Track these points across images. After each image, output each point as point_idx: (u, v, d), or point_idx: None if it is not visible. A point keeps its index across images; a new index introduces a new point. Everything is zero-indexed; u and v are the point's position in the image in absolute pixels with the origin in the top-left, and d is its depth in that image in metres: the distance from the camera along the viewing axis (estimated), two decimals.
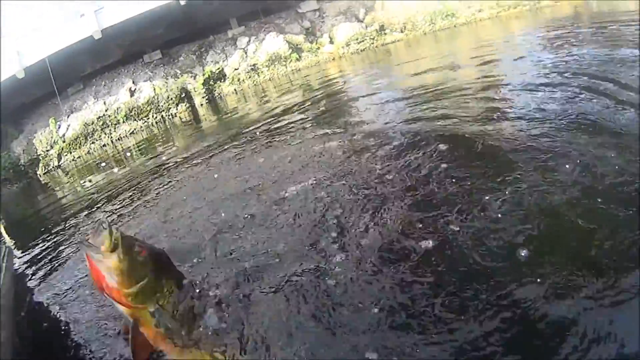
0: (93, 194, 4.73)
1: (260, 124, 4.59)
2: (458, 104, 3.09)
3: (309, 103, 4.98)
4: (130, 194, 3.84)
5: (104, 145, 7.42)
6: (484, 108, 2.85)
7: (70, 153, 7.48)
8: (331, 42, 7.69)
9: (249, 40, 7.46)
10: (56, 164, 7.61)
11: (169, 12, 6.91)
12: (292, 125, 4.09)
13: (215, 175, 3.36)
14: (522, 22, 7.38)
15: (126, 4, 6.87)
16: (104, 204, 3.96)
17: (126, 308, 0.79)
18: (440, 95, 3.48)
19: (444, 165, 2.10)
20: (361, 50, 7.68)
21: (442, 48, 6.87)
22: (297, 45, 7.50)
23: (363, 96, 4.52)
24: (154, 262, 0.82)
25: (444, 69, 4.68)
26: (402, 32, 7.97)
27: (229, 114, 6.21)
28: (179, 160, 4.46)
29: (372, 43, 7.70)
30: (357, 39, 7.66)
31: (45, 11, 7.62)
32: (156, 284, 0.83)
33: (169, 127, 7.53)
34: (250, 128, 4.61)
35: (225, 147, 4.15)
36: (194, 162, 4.04)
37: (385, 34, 7.88)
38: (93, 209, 3.96)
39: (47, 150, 7.61)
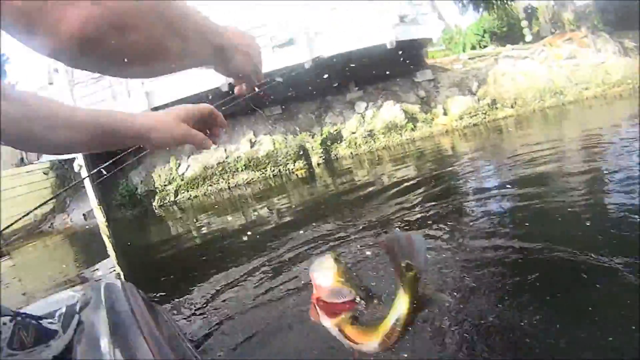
0: (206, 234, 5.37)
1: (371, 200, 5.01)
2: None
3: (422, 183, 5.35)
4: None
5: (221, 189, 7.98)
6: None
7: (187, 192, 8.07)
8: (445, 113, 8.07)
9: (367, 106, 7.95)
10: (172, 199, 8.23)
11: (295, 73, 7.45)
12: (398, 207, 4.43)
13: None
14: (626, 102, 7.63)
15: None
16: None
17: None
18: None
19: None
20: (474, 125, 8.04)
21: (550, 131, 7.22)
22: (412, 114, 7.95)
23: (472, 185, 4.88)
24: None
25: (551, 161, 4.98)
26: (512, 107, 8.30)
27: (344, 182, 6.62)
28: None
29: (484, 118, 8.04)
30: (469, 113, 8.04)
31: None
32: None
33: (285, 182, 8.04)
34: (362, 199, 4.90)
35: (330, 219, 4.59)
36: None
37: (496, 108, 8.25)
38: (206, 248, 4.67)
39: (165, 185, 8.24)
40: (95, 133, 0.64)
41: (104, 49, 0.37)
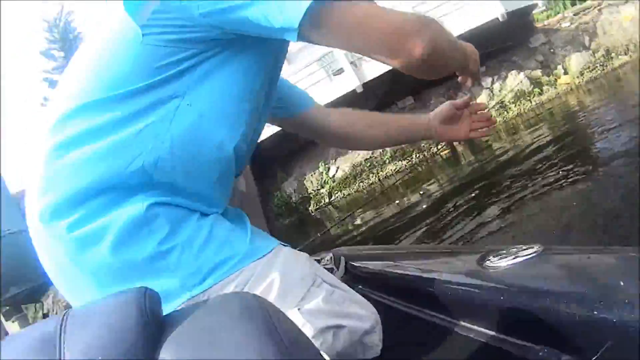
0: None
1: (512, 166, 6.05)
2: None
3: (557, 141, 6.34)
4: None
5: (372, 183, 8.90)
6: None
7: (340, 191, 9.04)
8: (565, 72, 8.73)
9: (493, 80, 8.71)
10: (327, 201, 9.22)
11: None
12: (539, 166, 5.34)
13: None
14: None
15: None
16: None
17: None
18: None
19: None
20: (595, 78, 8.66)
21: None
22: (536, 79, 8.70)
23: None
24: None
25: None
26: (626, 54, 8.84)
27: (485, 155, 7.46)
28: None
29: (603, 70, 8.66)
30: (588, 68, 8.68)
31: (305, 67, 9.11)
32: None
33: (430, 165, 8.86)
34: (505, 172, 6.06)
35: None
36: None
37: (612, 58, 8.84)
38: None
39: (318, 190, 9.22)
40: (398, 132, 1.06)
41: (431, 65, 0.64)
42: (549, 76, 9.36)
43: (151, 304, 0.41)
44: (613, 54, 9.53)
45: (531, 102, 9.18)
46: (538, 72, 9.38)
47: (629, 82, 8.86)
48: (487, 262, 0.79)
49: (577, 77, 9.30)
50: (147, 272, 0.63)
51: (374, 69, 8.84)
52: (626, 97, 7.73)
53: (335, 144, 1.19)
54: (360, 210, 7.90)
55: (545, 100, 9.23)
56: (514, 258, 0.75)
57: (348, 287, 0.75)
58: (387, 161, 9.28)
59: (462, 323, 0.86)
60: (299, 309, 0.65)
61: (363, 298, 0.76)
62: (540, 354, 0.68)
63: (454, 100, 1.01)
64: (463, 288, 0.84)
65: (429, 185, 7.78)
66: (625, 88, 8.62)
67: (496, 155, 7.92)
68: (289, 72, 9.25)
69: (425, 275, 0.98)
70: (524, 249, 0.76)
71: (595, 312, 0.56)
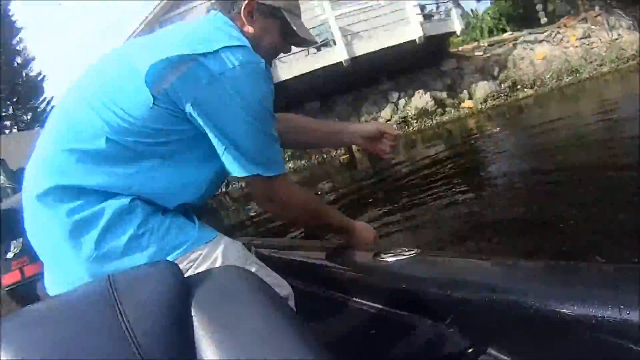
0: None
1: (404, 177, 6.39)
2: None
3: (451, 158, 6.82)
4: None
5: None
6: None
7: (238, 182, 9.36)
8: (470, 97, 9.25)
9: (399, 95, 9.22)
10: (224, 190, 9.50)
11: (334, 71, 8.75)
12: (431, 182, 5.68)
13: None
14: None
15: (300, 63, 8.76)
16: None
17: None
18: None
19: None
20: (497, 106, 9.17)
21: (568, 106, 8.35)
22: (441, 100, 9.17)
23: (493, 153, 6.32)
24: None
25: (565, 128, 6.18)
26: (532, 88, 9.43)
27: (381, 164, 7.95)
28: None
29: (506, 99, 9.19)
30: (492, 96, 9.22)
31: None
32: None
33: (328, 168, 9.25)
34: (398, 178, 6.45)
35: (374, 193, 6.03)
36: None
37: (517, 89, 9.39)
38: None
39: None
40: (328, 137, 1.36)
41: (291, 215, 1.07)
42: (453, 99, 9.92)
43: (178, 272, 0.53)
44: (519, 86, 10.13)
45: (432, 121, 9.70)
46: (444, 94, 9.94)
47: (529, 114, 9.42)
48: (380, 257, 1.09)
49: (481, 103, 9.87)
50: (127, 250, 0.84)
51: (286, 72, 9.42)
52: (524, 127, 8.31)
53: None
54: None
55: (446, 120, 9.75)
56: (399, 256, 1.06)
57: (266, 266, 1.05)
58: (287, 159, 9.69)
59: (356, 299, 1.18)
60: None
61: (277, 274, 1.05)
62: (413, 318, 0.97)
63: (383, 128, 1.28)
64: (359, 274, 1.18)
65: (324, 184, 8.22)
66: (524, 117, 9.18)
67: (392, 165, 8.37)
68: None
69: (327, 263, 1.31)
70: (407, 251, 1.07)
71: (449, 292, 0.86)
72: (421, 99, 9.71)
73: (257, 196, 1.00)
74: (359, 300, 1.18)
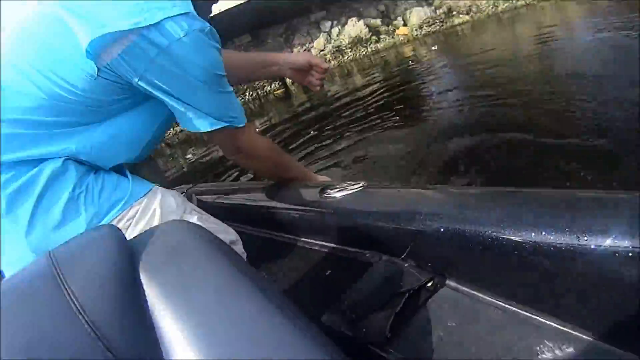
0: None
1: (340, 109, 6.41)
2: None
3: (387, 86, 6.80)
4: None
5: None
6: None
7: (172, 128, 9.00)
8: (405, 24, 9.22)
9: (332, 24, 9.01)
10: None
11: (263, 3, 8.41)
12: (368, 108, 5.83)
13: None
14: (581, 7, 8.92)
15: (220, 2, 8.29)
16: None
17: None
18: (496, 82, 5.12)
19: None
20: (432, 32, 9.25)
21: (504, 33, 8.60)
22: (375, 28, 9.12)
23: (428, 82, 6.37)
24: None
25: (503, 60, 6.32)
26: (467, 14, 9.52)
27: (316, 96, 7.93)
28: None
29: (442, 25, 9.27)
30: (428, 22, 9.24)
31: None
32: None
33: (263, 103, 9.08)
34: (334, 110, 6.47)
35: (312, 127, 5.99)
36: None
37: (453, 16, 9.44)
38: None
39: None
40: (261, 70, 1.37)
41: (259, 164, 1.13)
42: (388, 26, 9.81)
43: (121, 235, 0.51)
44: (455, 12, 10.18)
45: (367, 49, 9.60)
46: (378, 22, 9.77)
47: (465, 40, 9.56)
48: (326, 193, 1.06)
49: (416, 29, 9.85)
50: (65, 216, 0.85)
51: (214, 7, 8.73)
52: (460, 52, 8.42)
53: None
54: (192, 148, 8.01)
55: (381, 49, 9.68)
56: (345, 191, 1.04)
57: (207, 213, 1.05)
58: None
59: (307, 239, 1.17)
60: None
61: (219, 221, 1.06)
62: (367, 255, 0.96)
63: (312, 60, 1.31)
64: (308, 213, 1.13)
65: (261, 120, 8.02)
66: (461, 44, 9.31)
67: (328, 97, 8.26)
68: None
69: (273, 204, 1.25)
70: (353, 184, 1.05)
71: (401, 225, 0.84)
72: (355, 27, 9.48)
73: (224, 149, 1.07)
74: (309, 240, 1.17)
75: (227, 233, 1.05)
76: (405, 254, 0.87)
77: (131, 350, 0.41)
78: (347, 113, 6.25)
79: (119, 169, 0.99)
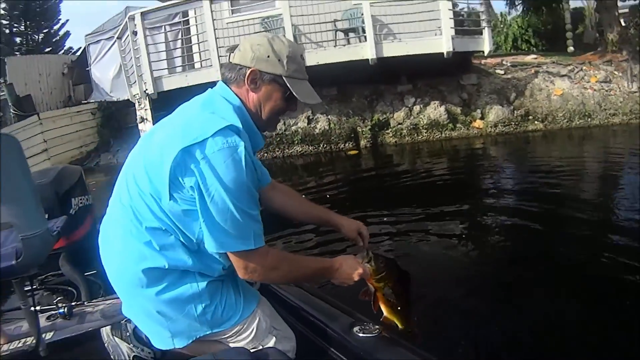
0: None
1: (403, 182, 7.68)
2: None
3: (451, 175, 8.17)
4: None
5: (275, 157, 10.39)
6: None
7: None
8: (482, 118, 10.53)
9: (415, 101, 10.36)
10: None
11: (359, 64, 9.88)
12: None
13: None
14: None
15: (328, 52, 9.81)
16: None
17: (372, 286, 1.51)
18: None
19: None
20: (505, 133, 10.50)
21: (572, 150, 9.92)
22: (454, 115, 10.41)
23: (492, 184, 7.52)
24: (388, 267, 1.54)
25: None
26: (542, 122, 10.75)
27: (384, 167, 9.40)
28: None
29: (516, 128, 10.52)
30: (504, 122, 10.52)
31: None
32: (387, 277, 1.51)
33: (334, 158, 10.46)
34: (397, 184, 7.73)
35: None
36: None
37: (528, 120, 10.69)
38: None
39: None
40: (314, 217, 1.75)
41: (269, 281, 1.60)
42: (466, 116, 11.13)
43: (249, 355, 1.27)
44: (531, 117, 11.41)
45: (441, 134, 10.93)
46: (458, 110, 11.11)
47: (534, 147, 10.78)
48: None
49: (491, 126, 11.13)
50: (189, 315, 1.31)
51: (312, 58, 10.32)
52: (526, 158, 9.49)
53: (272, 211, 1.71)
54: None
55: (454, 136, 11.00)
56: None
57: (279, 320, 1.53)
58: (296, 142, 10.78)
59: None
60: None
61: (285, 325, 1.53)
62: None
63: (362, 230, 1.67)
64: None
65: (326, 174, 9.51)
66: (530, 149, 10.53)
67: (394, 167, 9.68)
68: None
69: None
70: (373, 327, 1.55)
71: None
72: (435, 111, 10.83)
73: (236, 267, 1.27)
74: None
75: (288, 339, 1.48)
76: None
77: None
78: (406, 191, 7.43)
79: (232, 278, 1.39)
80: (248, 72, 1.29)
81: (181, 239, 1.26)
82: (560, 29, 15.75)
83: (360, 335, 1.51)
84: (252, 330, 1.39)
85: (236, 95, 1.32)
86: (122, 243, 1.31)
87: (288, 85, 1.31)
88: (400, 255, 4.69)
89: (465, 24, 10.56)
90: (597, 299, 3.27)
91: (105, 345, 1.60)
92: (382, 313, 1.51)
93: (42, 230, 1.82)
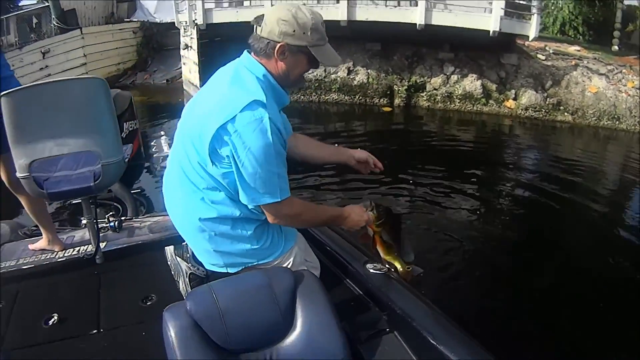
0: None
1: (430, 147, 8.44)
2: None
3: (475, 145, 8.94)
4: None
5: (311, 101, 11.08)
6: None
7: None
8: (515, 98, 11.13)
9: (454, 70, 10.97)
10: None
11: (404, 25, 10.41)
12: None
13: None
14: None
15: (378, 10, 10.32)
16: None
17: (372, 230, 1.76)
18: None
19: None
20: (534, 118, 11.12)
21: (597, 149, 10.48)
22: (488, 91, 11.00)
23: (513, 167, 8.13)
24: (386, 214, 1.78)
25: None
26: (572, 115, 11.31)
27: (414, 128, 10.16)
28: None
29: (545, 116, 11.13)
30: (535, 107, 11.11)
31: None
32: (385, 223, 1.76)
33: (367, 111, 11.15)
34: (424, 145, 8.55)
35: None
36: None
37: (559, 110, 11.26)
38: None
39: None
40: (330, 156, 2.06)
41: (294, 225, 1.77)
42: (500, 94, 11.70)
43: (291, 274, 1.51)
44: (561, 107, 11.94)
45: (473, 107, 11.53)
46: (493, 87, 11.66)
47: (560, 137, 11.38)
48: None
49: (522, 109, 11.69)
50: (241, 252, 1.66)
51: (362, 13, 10.75)
52: (550, 145, 10.18)
53: (295, 158, 1.90)
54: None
55: (485, 112, 11.61)
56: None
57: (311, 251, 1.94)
58: (334, 90, 11.43)
59: None
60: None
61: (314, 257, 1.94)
62: None
63: (372, 159, 1.94)
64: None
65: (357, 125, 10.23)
66: (554, 139, 11.13)
67: (424, 129, 10.40)
68: None
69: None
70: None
71: None
72: (472, 84, 11.34)
73: (267, 215, 1.57)
74: None
75: (315, 268, 1.83)
76: None
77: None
78: (431, 152, 8.24)
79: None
80: (278, 46, 1.49)
81: (228, 195, 1.57)
82: (611, 23, 15.93)
83: (372, 271, 1.88)
84: (290, 262, 1.74)
85: (261, 64, 1.54)
86: (183, 199, 1.66)
87: (313, 53, 1.52)
88: (413, 212, 5.45)
89: (517, 7, 10.93)
90: (599, 283, 3.96)
91: (168, 263, 1.88)
92: (379, 254, 1.82)
93: (119, 159, 2.19)
